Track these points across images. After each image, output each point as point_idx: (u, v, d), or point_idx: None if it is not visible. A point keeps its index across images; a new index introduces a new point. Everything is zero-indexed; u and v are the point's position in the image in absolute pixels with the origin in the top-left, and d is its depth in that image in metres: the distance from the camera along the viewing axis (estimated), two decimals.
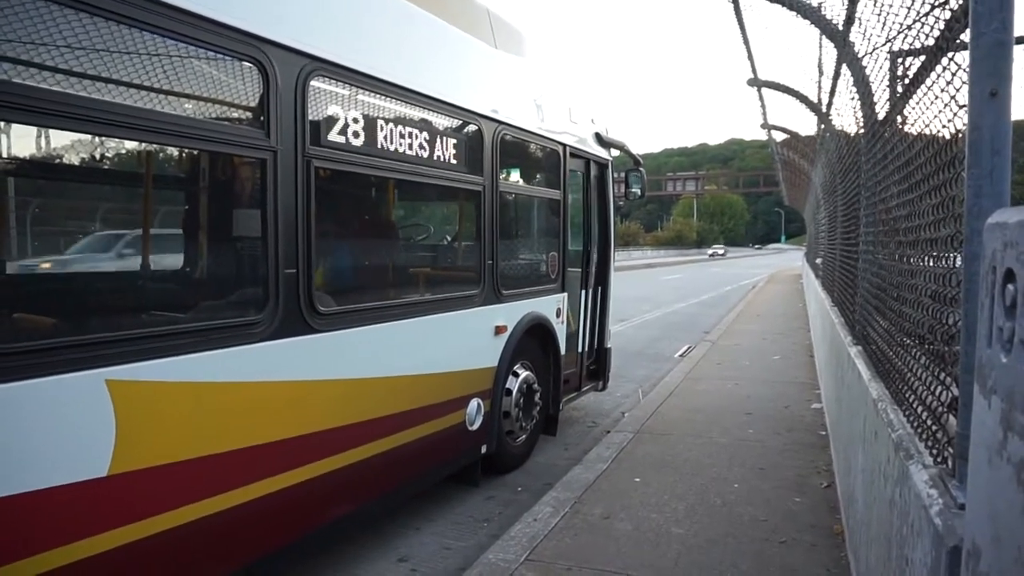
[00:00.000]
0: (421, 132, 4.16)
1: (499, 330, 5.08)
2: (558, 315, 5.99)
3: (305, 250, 3.26)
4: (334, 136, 3.50)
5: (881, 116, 3.49)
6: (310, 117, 3.29)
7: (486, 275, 4.90)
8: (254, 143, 3.05)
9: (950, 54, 2.00)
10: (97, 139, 2.77)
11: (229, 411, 2.94)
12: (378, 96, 3.83)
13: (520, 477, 5.41)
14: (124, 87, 2.56)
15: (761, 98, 10.02)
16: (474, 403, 4.82)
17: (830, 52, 5.24)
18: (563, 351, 6.10)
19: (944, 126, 2.01)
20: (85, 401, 2.39)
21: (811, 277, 14.36)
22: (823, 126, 7.52)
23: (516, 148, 5.31)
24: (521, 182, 5.55)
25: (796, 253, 70.18)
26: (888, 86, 3.31)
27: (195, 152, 3.19)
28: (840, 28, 4.06)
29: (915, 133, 2.49)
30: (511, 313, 5.23)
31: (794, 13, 4.55)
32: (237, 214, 3.37)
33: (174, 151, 3.18)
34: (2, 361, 2.15)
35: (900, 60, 3.21)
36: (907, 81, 3.05)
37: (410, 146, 4.07)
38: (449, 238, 5.40)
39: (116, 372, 2.46)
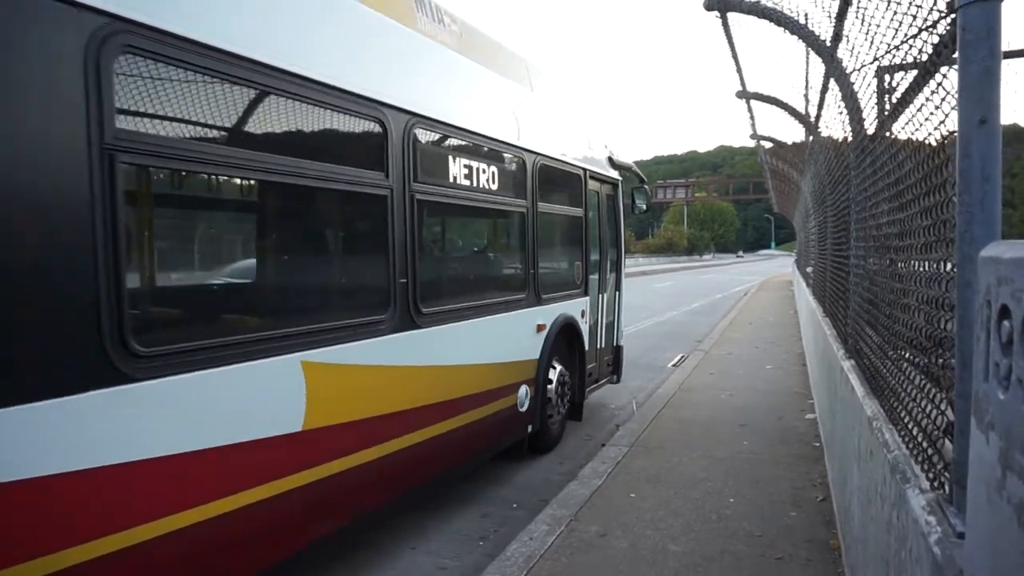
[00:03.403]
0: (486, 166, 5.13)
1: (540, 328, 6.00)
2: (583, 316, 6.95)
3: (412, 264, 4.18)
4: (428, 173, 4.39)
5: (870, 131, 3.51)
6: (413, 160, 4.16)
7: (531, 282, 5.84)
8: (379, 183, 3.96)
9: (938, 77, 2.02)
10: (283, 185, 3.47)
11: (367, 386, 3.88)
12: (457, 139, 4.79)
13: (515, 493, 5.39)
14: (298, 145, 3.54)
15: (750, 109, 10.08)
16: (523, 389, 5.72)
17: (818, 66, 5.28)
18: (587, 347, 7.05)
19: (934, 151, 2.02)
20: (289, 376, 3.32)
21: (802, 285, 14.42)
22: (812, 137, 7.57)
23: (549, 174, 6.16)
24: (553, 203, 6.32)
25: (786, 259, 70.52)
26: (876, 102, 3.33)
27: (343, 191, 3.83)
28: (828, 44, 4.09)
29: (904, 154, 2.50)
30: (548, 314, 6.14)
31: (782, 29, 4.59)
32: (371, 238, 4.17)
33: (330, 192, 3.79)
34: (246, 347, 3.07)
35: (887, 74, 3.24)
36: (895, 97, 3.08)
37: (478, 178, 5.02)
38: (504, 252, 6.19)
39: (307, 355, 3.40)
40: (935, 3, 1.97)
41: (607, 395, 8.54)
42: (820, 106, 5.71)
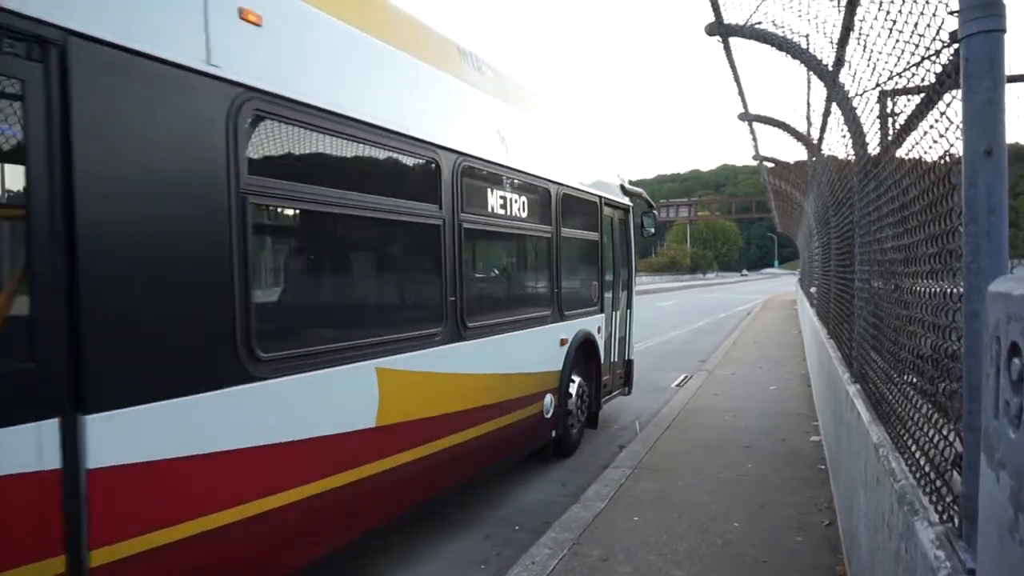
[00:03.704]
0: (518, 196, 5.76)
1: (563, 342, 6.59)
2: (599, 331, 7.55)
3: (459, 284, 4.80)
4: (472, 204, 5.04)
5: (873, 156, 3.51)
6: (460, 193, 4.80)
7: (555, 300, 6.44)
8: (435, 214, 4.59)
9: (941, 106, 2.02)
10: (365, 218, 4.08)
11: (424, 390, 4.44)
12: (495, 173, 5.40)
13: (517, 514, 5.35)
14: (377, 184, 4.15)
15: (752, 131, 10.11)
16: (548, 397, 6.26)
17: (819, 89, 5.30)
18: (602, 360, 7.63)
19: (938, 179, 2.01)
20: (364, 381, 3.89)
21: (805, 305, 14.38)
22: (814, 158, 7.58)
23: (570, 203, 6.75)
24: (573, 228, 6.90)
25: (789, 278, 70.44)
26: (879, 128, 3.34)
27: (409, 222, 4.48)
28: (830, 69, 4.11)
29: (909, 180, 2.50)
30: (570, 329, 6.73)
31: (784, 53, 4.61)
32: (429, 262, 4.71)
33: (400, 223, 4.42)
34: (336, 354, 3.67)
35: (890, 98, 3.25)
36: (897, 122, 3.08)
37: (511, 207, 5.67)
38: (533, 273, 6.63)
39: (381, 363, 4.00)
40: (938, 33, 1.97)
41: (610, 415, 8.51)
42: (823, 129, 5.72)
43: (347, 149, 3.93)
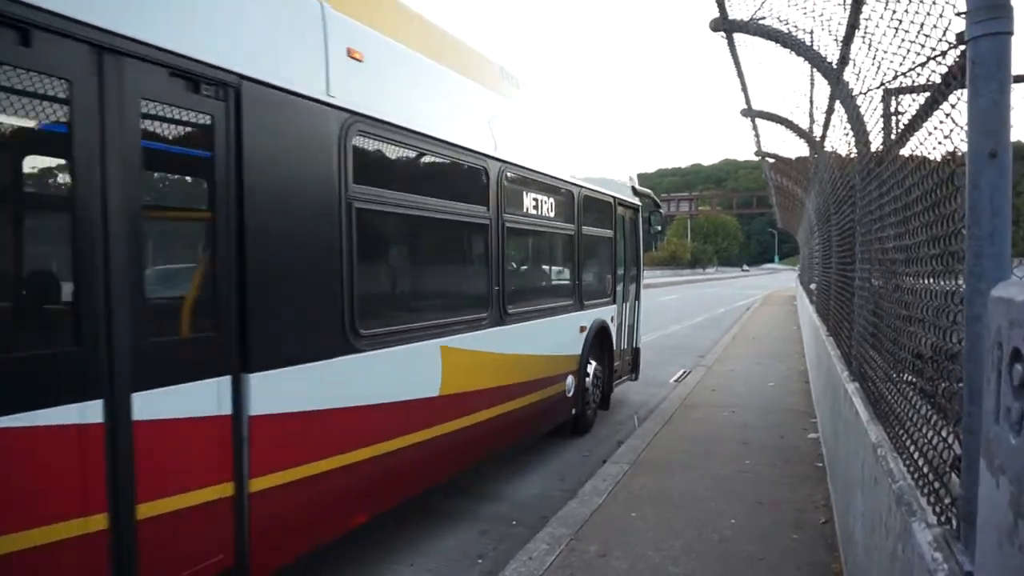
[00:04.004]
0: (547, 197, 6.48)
1: (582, 329, 7.28)
2: (612, 320, 8.28)
3: (501, 275, 5.55)
4: (511, 205, 5.77)
5: (876, 154, 3.50)
6: (503, 196, 5.54)
7: (576, 291, 7.18)
8: (485, 215, 5.35)
9: (946, 107, 2.01)
10: (436, 219, 4.85)
11: (475, 366, 5.18)
12: (534, 179, 6.19)
13: (514, 509, 5.36)
14: (446, 190, 4.93)
15: (755, 127, 10.07)
16: (570, 378, 6.97)
17: (823, 86, 5.28)
18: (615, 347, 8.34)
19: (942, 181, 2.01)
20: (431, 356, 4.64)
21: (805, 301, 14.38)
22: (816, 155, 7.56)
23: (589, 203, 7.48)
24: (592, 226, 7.56)
25: (789, 273, 70.38)
26: (883, 127, 3.33)
27: (467, 222, 5.28)
28: (834, 67, 4.09)
29: (912, 180, 2.49)
30: (588, 318, 7.44)
31: (788, 50, 4.59)
32: (480, 256, 5.48)
33: (460, 223, 5.23)
34: (413, 333, 4.46)
35: (894, 97, 3.24)
36: (901, 120, 3.07)
37: (541, 207, 6.39)
38: (558, 266, 7.33)
39: (443, 341, 4.76)
40: (944, 34, 1.96)
41: (609, 411, 8.52)
42: (826, 126, 5.70)
43: (422, 161, 4.73)
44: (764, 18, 4.99)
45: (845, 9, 3.39)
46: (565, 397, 6.88)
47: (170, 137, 3.07)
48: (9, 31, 2.32)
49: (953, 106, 1.90)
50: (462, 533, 4.93)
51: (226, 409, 3.13)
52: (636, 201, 9.23)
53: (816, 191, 8.57)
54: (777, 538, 4.45)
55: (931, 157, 2.17)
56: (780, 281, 59.00)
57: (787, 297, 32.83)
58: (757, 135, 10.64)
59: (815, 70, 4.86)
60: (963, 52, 1.79)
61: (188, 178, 3.49)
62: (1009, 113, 1.67)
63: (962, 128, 1.80)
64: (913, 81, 2.48)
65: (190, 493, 2.97)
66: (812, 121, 6.98)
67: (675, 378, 11.11)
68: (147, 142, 2.84)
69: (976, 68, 1.68)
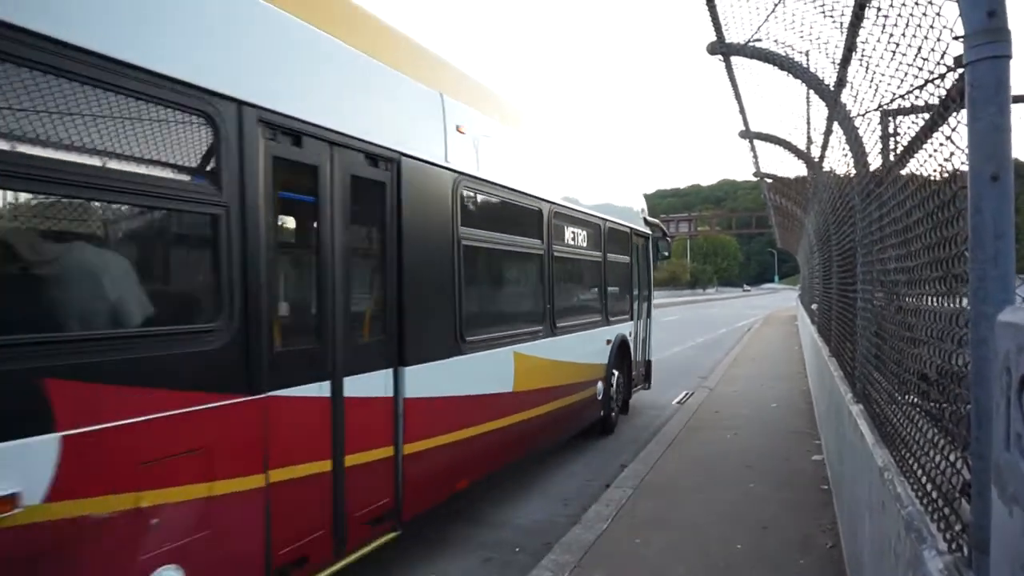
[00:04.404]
0: (581, 230, 7.75)
1: (608, 342, 8.45)
2: (630, 335, 9.45)
3: (552, 295, 6.78)
4: (557, 238, 6.98)
5: (875, 175, 3.50)
6: (551, 231, 6.78)
7: (604, 309, 8.42)
8: (540, 247, 6.63)
9: (946, 130, 2.01)
10: (508, 252, 6.30)
11: (535, 369, 6.34)
12: (573, 215, 7.44)
13: (518, 535, 5.30)
14: (516, 227, 6.23)
15: (753, 148, 10.12)
16: (599, 384, 8.13)
17: (820, 107, 5.31)
18: (632, 358, 9.57)
19: (944, 203, 2.00)
20: (507, 359, 5.84)
21: (806, 320, 14.35)
22: (814, 173, 7.58)
23: (612, 233, 8.75)
24: (613, 253, 8.78)
25: (790, 293, 70.34)
26: (880, 148, 3.33)
27: (529, 253, 6.55)
28: (831, 88, 4.11)
29: (913, 202, 2.49)
30: (613, 332, 8.65)
31: (786, 73, 4.61)
32: (538, 280, 6.72)
33: (525, 254, 6.53)
34: (497, 341, 5.65)
35: (892, 118, 3.25)
36: (900, 142, 3.08)
37: (577, 239, 7.67)
38: (589, 287, 8.39)
39: (515, 348, 5.96)
40: (942, 57, 1.96)
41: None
42: (824, 147, 5.72)
43: (500, 205, 5.96)
44: (760, 40, 5.02)
45: (842, 32, 3.42)
46: (596, 400, 8.08)
47: (363, 197, 4.22)
48: (289, 137, 3.61)
49: (953, 129, 1.90)
50: (465, 560, 4.86)
51: (390, 392, 4.38)
52: (647, 230, 10.52)
53: (816, 211, 8.59)
54: (784, 564, 4.39)
55: (932, 179, 2.17)
56: (780, 301, 58.95)
57: (788, 317, 32.77)
58: (756, 156, 10.69)
59: (812, 91, 4.90)
60: (961, 75, 1.79)
61: (373, 228, 4.44)
62: (1010, 136, 1.67)
63: (962, 151, 1.79)
64: (912, 103, 2.48)
65: (371, 451, 4.18)
66: (810, 142, 7.02)
67: (678, 400, 11.05)
68: (353, 203, 4.06)
69: (975, 92, 1.68)
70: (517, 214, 6.26)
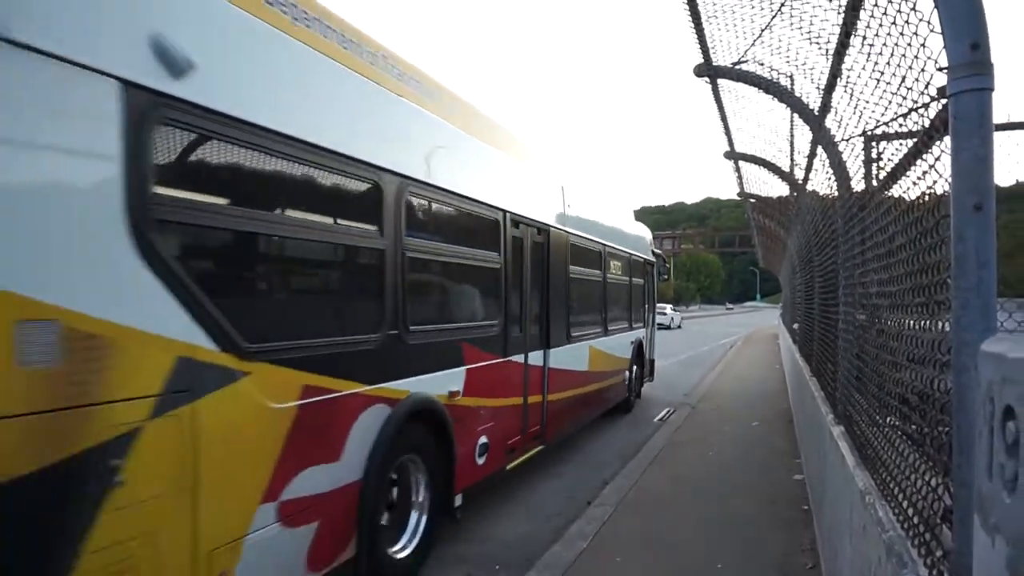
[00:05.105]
0: (619, 262, 10.69)
1: (631, 342, 11.45)
2: (643, 338, 12.57)
3: (606, 307, 9.84)
4: (609, 269, 9.98)
5: (858, 200, 3.55)
6: (608, 263, 9.97)
7: (629, 318, 11.40)
8: (599, 275, 9.57)
9: (929, 159, 2.05)
10: (585, 280, 9.13)
11: (598, 357, 9.29)
12: (616, 252, 10.35)
13: (500, 551, 5.26)
14: (594, 264, 9.48)
15: (738, 169, 10.25)
16: (625, 373, 11.02)
17: (804, 130, 5.38)
18: (644, 356, 12.80)
19: (927, 231, 2.03)
20: (586, 350, 8.85)
21: (788, 341, 14.44)
22: (796, 194, 7.67)
23: (635, 263, 11.86)
24: (635, 276, 11.88)
25: (771, 311, 70.86)
26: (864, 173, 3.38)
27: (597, 280, 9.45)
28: (816, 113, 4.17)
29: (896, 228, 2.52)
30: (634, 336, 11.73)
31: (771, 96, 4.67)
32: (598, 297, 9.58)
33: (594, 280, 9.45)
34: (580, 338, 8.62)
35: (876, 144, 3.29)
36: (883, 166, 3.12)
37: (619, 268, 10.67)
38: (623, 302, 11.19)
39: (589, 343, 9.01)
40: (926, 87, 2.00)
41: (594, 448, 8.45)
42: (808, 169, 5.79)
43: (584, 250, 8.81)
44: (747, 62, 5.09)
45: (827, 59, 3.47)
46: (623, 384, 11.01)
47: (535, 252, 7.01)
48: (507, 223, 6.18)
49: (937, 158, 1.93)
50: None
51: (542, 363, 7.19)
52: (652, 258, 13.50)
53: (798, 232, 8.68)
54: None
55: (915, 208, 2.20)
56: (762, 319, 59.34)
57: (770, 335, 33.00)
58: (740, 176, 10.80)
59: (796, 114, 4.96)
60: (945, 105, 1.82)
61: (537, 270, 7.06)
62: (992, 166, 1.70)
63: (946, 180, 1.82)
64: (896, 130, 2.52)
65: (535, 395, 6.98)
66: (792, 162, 7.11)
67: (659, 417, 11.07)
68: (532, 256, 6.90)
69: (958, 123, 1.71)
70: (587, 254, 9.00)
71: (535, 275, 6.92)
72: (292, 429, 3.36)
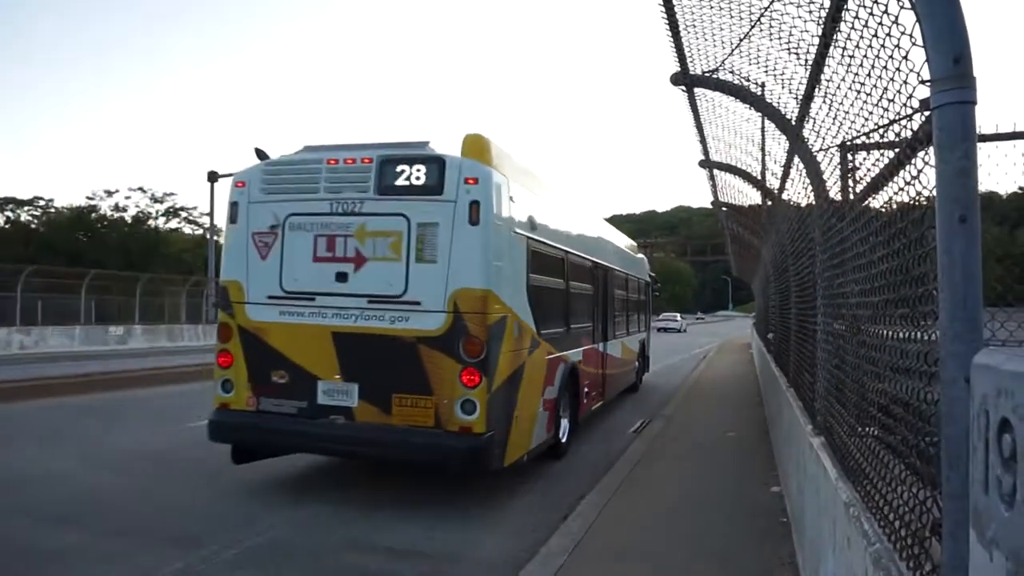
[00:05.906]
0: (635, 285, 15.33)
1: (639, 342, 15.84)
2: (645, 339, 16.76)
3: (628, 315, 14.52)
4: (626, 289, 14.42)
5: (837, 210, 3.56)
6: (646, 292, 17.49)
7: (638, 324, 15.76)
8: (623, 294, 13.86)
9: (912, 171, 2.05)
10: (619, 297, 13.98)
11: (623, 349, 13.75)
12: (629, 278, 14.59)
13: (474, 570, 5.18)
14: (621, 287, 14.31)
15: (712, 177, 10.35)
16: (635, 363, 15.39)
17: (779, 137, 5.42)
18: (647, 353, 17.29)
19: (911, 243, 2.03)
20: (619, 344, 13.30)
21: (762, 350, 14.57)
22: (772, 204, 7.74)
23: (641, 284, 16.05)
24: (641, 294, 16.04)
25: (744, 321, 71.56)
26: (842, 184, 3.40)
27: (640, 301, 16.46)
28: (794, 123, 4.20)
29: (877, 239, 2.53)
30: (640, 337, 16.09)
31: (748, 105, 4.70)
32: (624, 309, 14.01)
33: (639, 301, 16.50)
34: (620, 336, 13.55)
35: (855, 153, 3.31)
36: (862, 176, 3.14)
37: (631, 287, 14.76)
38: (636, 313, 15.21)
39: (619, 340, 13.28)
40: (909, 99, 2.00)
41: (570, 463, 8.41)
42: (784, 179, 5.84)
43: (626, 279, 14.10)
44: (724, 70, 5.12)
45: (806, 69, 3.49)
46: (635, 371, 15.27)
47: (600, 281, 11.53)
48: (602, 270, 11.68)
49: (920, 171, 1.93)
50: None
51: (603, 350, 11.36)
52: (648, 278, 17.58)
53: (773, 241, 8.75)
54: None
55: (898, 219, 2.20)
56: (734, 328, 59.87)
57: (742, 345, 33.28)
58: (715, 185, 10.90)
59: (771, 122, 5.00)
60: (928, 117, 1.82)
61: (602, 294, 11.41)
62: (976, 178, 1.70)
63: (930, 192, 1.82)
64: (877, 140, 2.53)
65: (601, 369, 11.37)
66: (764, 168, 7.16)
67: (634, 428, 11.07)
68: (604, 286, 11.73)
69: (942, 136, 1.71)
70: (620, 280, 13.13)
71: (603, 296, 11.33)
72: (548, 368, 7.77)
